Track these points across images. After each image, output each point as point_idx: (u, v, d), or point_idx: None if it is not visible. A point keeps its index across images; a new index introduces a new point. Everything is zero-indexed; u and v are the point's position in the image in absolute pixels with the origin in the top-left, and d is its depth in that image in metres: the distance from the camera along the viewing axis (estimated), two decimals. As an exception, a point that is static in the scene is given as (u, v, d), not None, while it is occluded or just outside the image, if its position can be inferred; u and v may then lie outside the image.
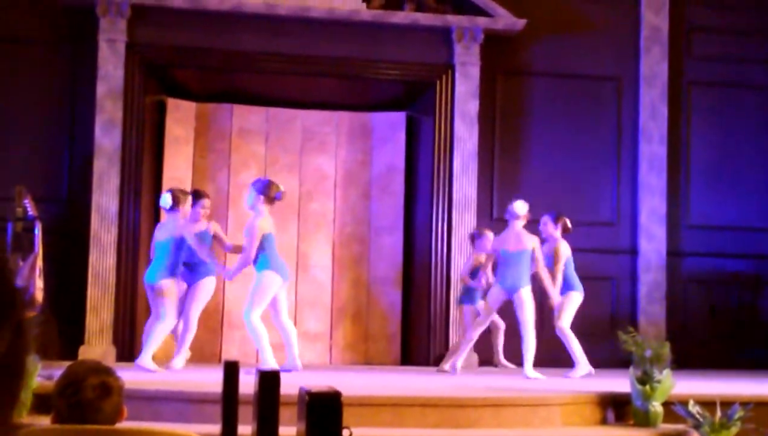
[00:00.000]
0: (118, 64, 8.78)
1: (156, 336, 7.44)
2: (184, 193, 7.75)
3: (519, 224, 7.80)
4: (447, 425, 5.53)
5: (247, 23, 9.02)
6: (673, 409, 5.66)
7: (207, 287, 7.77)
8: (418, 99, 9.80)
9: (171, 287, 7.46)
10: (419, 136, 9.77)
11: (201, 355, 9.08)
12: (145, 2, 8.79)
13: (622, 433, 5.72)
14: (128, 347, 8.67)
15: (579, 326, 8.64)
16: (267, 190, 7.42)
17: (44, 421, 4.73)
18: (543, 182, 9.60)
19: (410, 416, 5.54)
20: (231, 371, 3.66)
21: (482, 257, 8.34)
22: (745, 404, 5.57)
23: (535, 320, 7.86)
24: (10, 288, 0.98)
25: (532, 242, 7.77)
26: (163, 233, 7.61)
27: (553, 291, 7.84)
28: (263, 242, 7.37)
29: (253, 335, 7.32)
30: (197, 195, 7.95)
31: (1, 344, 0.95)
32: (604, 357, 8.80)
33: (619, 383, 6.30)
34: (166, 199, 7.56)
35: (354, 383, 6.67)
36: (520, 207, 7.83)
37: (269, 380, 2.69)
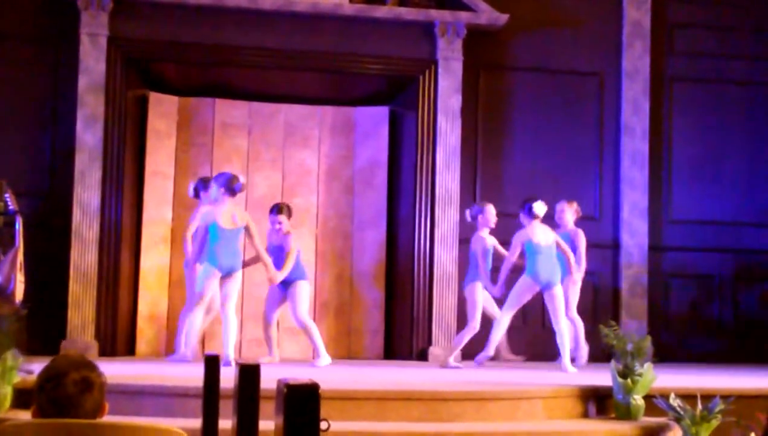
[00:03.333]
0: (99, 58, 8.74)
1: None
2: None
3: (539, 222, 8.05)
4: (430, 418, 5.54)
5: (229, 17, 9.00)
6: (655, 402, 5.69)
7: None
8: (401, 94, 9.80)
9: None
10: (402, 131, 9.78)
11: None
12: (126, -4, 8.75)
13: (603, 426, 5.74)
14: (110, 342, 8.65)
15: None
16: (228, 183, 7.66)
17: (25, 416, 4.72)
18: (525, 177, 9.63)
19: (393, 409, 5.55)
20: (212, 365, 3.66)
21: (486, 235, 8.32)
22: (725, 397, 5.60)
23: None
24: None
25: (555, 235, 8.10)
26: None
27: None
28: (213, 233, 7.62)
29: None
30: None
31: None
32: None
33: (601, 376, 6.33)
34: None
35: (337, 376, 6.67)
36: (540, 208, 8.00)
37: (249, 374, 2.69)
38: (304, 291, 8.09)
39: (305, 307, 8.10)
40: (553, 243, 8.02)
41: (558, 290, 7.97)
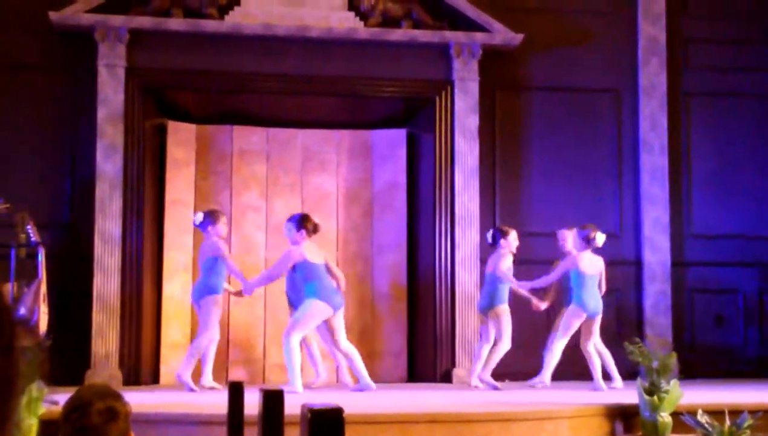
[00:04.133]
0: (117, 88, 8.80)
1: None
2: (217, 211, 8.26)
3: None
4: (455, 441, 5.51)
5: (245, 44, 9.05)
6: (682, 419, 5.64)
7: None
8: (417, 115, 9.81)
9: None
10: (420, 153, 9.78)
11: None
12: (143, 26, 8.82)
13: (630, 445, 5.69)
14: (134, 371, 8.66)
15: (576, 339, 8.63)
16: (303, 223, 7.85)
17: (51, 447, 4.71)
18: (544, 196, 9.60)
19: (417, 432, 5.52)
20: (236, 391, 3.65)
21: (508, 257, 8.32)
22: (753, 412, 5.55)
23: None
24: None
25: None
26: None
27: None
28: (307, 270, 7.72)
29: (287, 356, 7.63)
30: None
31: None
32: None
33: (627, 394, 6.29)
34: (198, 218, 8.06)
35: (361, 400, 6.65)
36: (601, 238, 8.08)
37: (273, 400, 2.69)
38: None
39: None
40: (597, 273, 8.07)
41: (599, 319, 8.08)
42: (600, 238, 8.03)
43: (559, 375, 8.81)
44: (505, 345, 8.12)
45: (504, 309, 8.15)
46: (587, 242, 8.01)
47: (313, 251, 7.83)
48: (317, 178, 9.89)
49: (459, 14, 9.32)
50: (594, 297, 8.03)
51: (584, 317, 8.03)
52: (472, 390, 7.88)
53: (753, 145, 10.12)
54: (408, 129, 9.97)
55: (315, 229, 7.90)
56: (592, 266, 8.04)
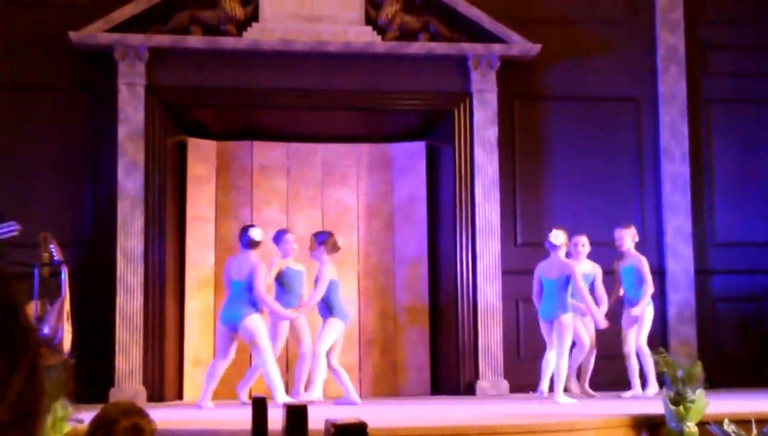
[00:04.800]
0: (138, 106, 8.86)
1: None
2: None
3: (561, 253, 7.91)
4: (480, 453, 5.49)
5: (263, 60, 9.09)
6: (708, 429, 5.59)
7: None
8: (436, 128, 9.81)
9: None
10: (440, 165, 9.78)
11: (230, 392, 9.06)
12: (162, 44, 8.88)
13: (657, 455, 5.65)
14: (158, 388, 8.68)
15: (609, 348, 8.58)
16: (327, 240, 8.02)
17: (76, 465, 4.73)
18: (565, 206, 9.57)
19: (442, 446, 5.50)
20: (259, 407, 3.65)
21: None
22: (780, 421, 5.49)
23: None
24: (22, 328, 0.97)
25: (570, 268, 7.84)
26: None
27: (598, 314, 8.03)
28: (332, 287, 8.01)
29: (317, 367, 7.92)
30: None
31: (15, 386, 0.95)
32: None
33: (653, 404, 6.24)
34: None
35: (384, 414, 6.63)
36: (557, 237, 7.88)
37: (296, 415, 2.68)
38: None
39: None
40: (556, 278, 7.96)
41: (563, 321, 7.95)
42: (554, 236, 7.93)
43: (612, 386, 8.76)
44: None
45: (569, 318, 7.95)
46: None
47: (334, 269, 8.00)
48: (337, 192, 9.90)
49: (476, 26, 9.32)
50: (549, 303, 7.88)
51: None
52: (496, 402, 7.84)
53: (775, 151, 10.05)
54: (427, 141, 9.97)
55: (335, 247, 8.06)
56: (556, 271, 7.92)
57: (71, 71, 9.05)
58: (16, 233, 6.83)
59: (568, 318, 7.79)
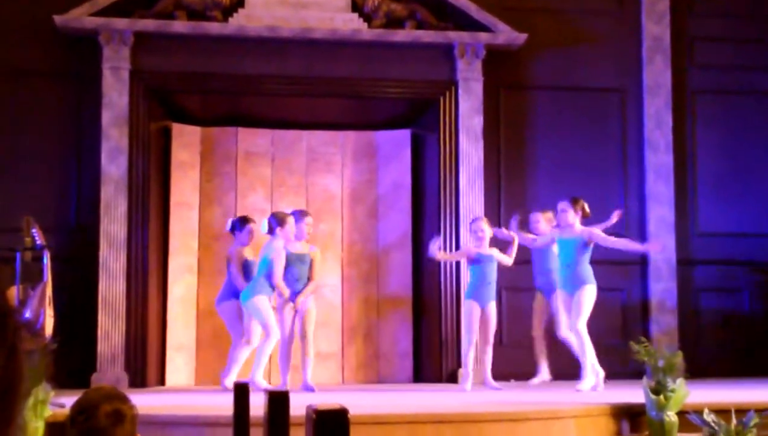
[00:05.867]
0: (122, 91, 8.82)
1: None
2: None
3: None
4: (461, 441, 5.51)
5: (249, 46, 9.06)
6: (688, 418, 5.63)
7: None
8: (422, 116, 9.81)
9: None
10: (424, 154, 9.78)
11: (213, 378, 9.07)
12: (147, 29, 8.84)
13: (637, 444, 5.69)
14: (140, 374, 8.67)
15: (591, 337, 8.61)
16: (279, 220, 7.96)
17: (58, 449, 4.73)
18: (550, 195, 9.58)
19: (425, 433, 5.52)
20: (241, 393, 3.65)
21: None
22: (760, 410, 5.53)
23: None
24: (1, 310, 0.97)
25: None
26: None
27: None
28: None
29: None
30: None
31: None
32: (617, 368, 8.77)
33: (633, 393, 6.28)
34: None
35: (367, 401, 6.65)
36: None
37: (278, 401, 2.69)
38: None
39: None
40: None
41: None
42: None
43: (564, 375, 8.80)
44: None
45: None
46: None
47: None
48: (322, 180, 9.89)
49: (463, 14, 9.31)
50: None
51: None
52: (478, 390, 7.86)
53: (759, 143, 10.11)
54: (412, 130, 9.97)
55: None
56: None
57: (55, 55, 9.01)
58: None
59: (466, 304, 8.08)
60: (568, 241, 7.79)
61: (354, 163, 9.95)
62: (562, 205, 7.93)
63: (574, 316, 7.67)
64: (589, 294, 7.66)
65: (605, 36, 9.89)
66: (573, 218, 7.85)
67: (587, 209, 7.92)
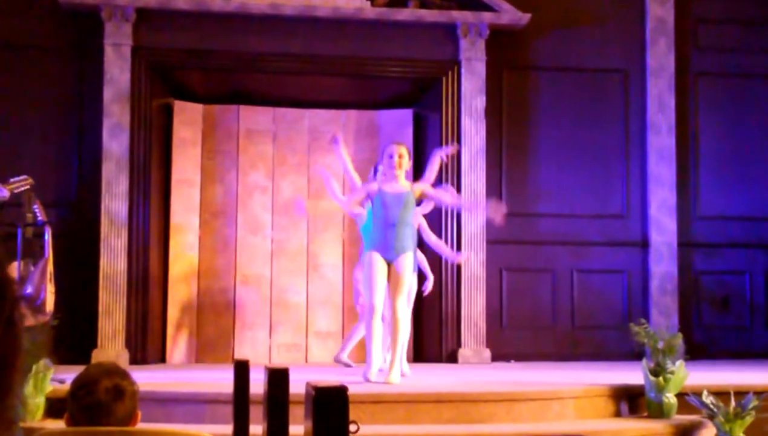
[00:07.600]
0: (124, 67, 8.79)
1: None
2: None
3: None
4: (461, 420, 5.53)
5: (252, 24, 9.03)
6: (687, 400, 5.65)
7: None
8: (424, 96, 9.79)
9: None
10: (426, 133, 9.76)
11: (214, 355, 9.10)
12: (149, 5, 8.80)
13: (636, 425, 5.70)
14: (141, 350, 8.69)
15: (591, 318, 8.63)
16: None
17: (58, 425, 4.74)
18: (551, 176, 9.58)
19: (424, 412, 5.54)
20: (241, 370, 3.66)
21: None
22: (759, 393, 5.55)
23: None
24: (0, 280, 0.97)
25: None
26: None
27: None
28: None
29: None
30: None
31: None
32: (617, 349, 8.79)
33: (633, 375, 6.29)
34: None
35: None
36: None
37: (278, 378, 2.69)
38: None
39: None
40: None
41: None
42: None
43: (564, 356, 8.83)
44: None
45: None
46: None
47: None
48: (324, 159, 9.87)
49: (466, -6, 9.28)
50: None
51: None
52: (478, 370, 7.88)
53: (761, 125, 10.09)
54: (415, 109, 9.95)
55: None
56: None
57: (57, 31, 8.98)
58: (28, 187, 6.79)
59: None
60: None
61: (356, 143, 9.93)
62: None
63: None
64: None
65: (609, 17, 9.85)
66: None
67: None
